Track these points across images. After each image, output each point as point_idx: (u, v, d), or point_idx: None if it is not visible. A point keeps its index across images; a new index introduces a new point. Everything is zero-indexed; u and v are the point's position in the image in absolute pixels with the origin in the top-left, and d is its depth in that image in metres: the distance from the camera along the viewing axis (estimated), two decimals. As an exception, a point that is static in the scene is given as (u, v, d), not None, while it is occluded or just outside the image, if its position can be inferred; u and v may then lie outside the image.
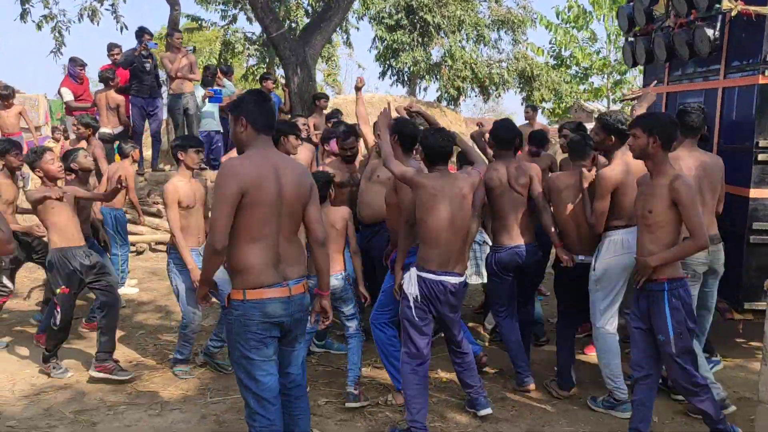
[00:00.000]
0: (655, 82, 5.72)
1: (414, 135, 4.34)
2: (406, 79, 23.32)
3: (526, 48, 22.59)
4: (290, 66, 9.04)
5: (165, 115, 9.96)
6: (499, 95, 23.27)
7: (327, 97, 9.18)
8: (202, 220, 4.73)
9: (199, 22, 18.80)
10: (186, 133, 8.95)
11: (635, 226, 3.76)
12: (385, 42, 21.47)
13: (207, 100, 9.05)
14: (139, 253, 8.50)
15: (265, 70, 20.95)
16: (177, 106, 8.81)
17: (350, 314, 4.51)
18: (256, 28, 31.81)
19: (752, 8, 4.55)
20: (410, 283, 3.73)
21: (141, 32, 8.96)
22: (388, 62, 22.66)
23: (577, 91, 23.54)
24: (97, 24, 11.27)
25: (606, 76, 23.95)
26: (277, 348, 3.06)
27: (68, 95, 8.87)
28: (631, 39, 6.25)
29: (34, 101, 12.07)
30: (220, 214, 2.78)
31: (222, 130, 9.27)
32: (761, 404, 3.39)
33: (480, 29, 21.64)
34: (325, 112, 8.95)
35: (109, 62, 8.95)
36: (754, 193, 4.69)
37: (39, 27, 11.70)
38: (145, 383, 4.70)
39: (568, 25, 23.33)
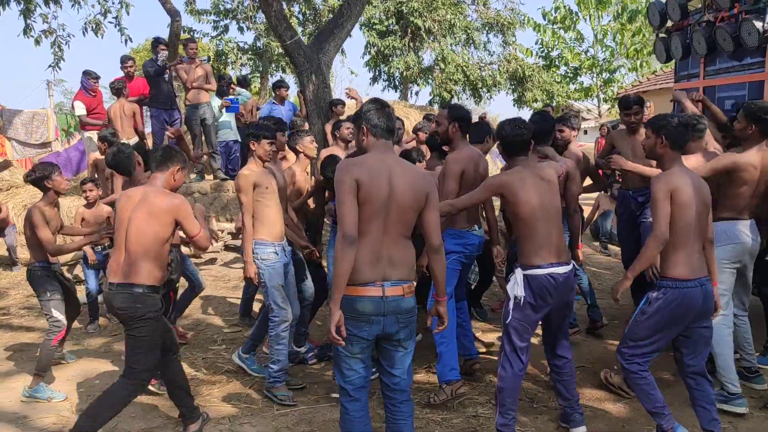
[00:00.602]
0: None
1: (468, 118, 4.40)
2: (397, 83, 23.35)
3: (515, 49, 22.73)
4: (305, 73, 8.95)
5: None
6: (491, 97, 23.36)
7: (344, 103, 9.12)
8: (280, 212, 4.61)
9: (192, 33, 18.66)
10: (204, 143, 8.85)
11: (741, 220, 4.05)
12: (377, 47, 21.47)
13: (224, 109, 8.95)
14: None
15: (260, 79, 20.99)
16: (194, 117, 8.67)
17: None
18: (248, 38, 31.26)
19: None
20: (516, 284, 3.60)
21: (156, 43, 8.87)
22: (378, 67, 22.70)
23: (568, 91, 23.69)
24: (101, 37, 11.11)
25: (595, 75, 24.20)
26: (365, 348, 3.05)
27: (81, 109, 8.73)
28: (662, 35, 6.28)
29: (42, 117, 11.88)
30: (345, 205, 2.90)
31: (240, 140, 9.15)
32: None
33: (470, 32, 21.72)
34: (342, 117, 8.90)
35: (122, 74, 8.84)
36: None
37: (38, 42, 11.50)
38: (205, 398, 4.60)
39: (555, 26, 23.61)
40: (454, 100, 23.22)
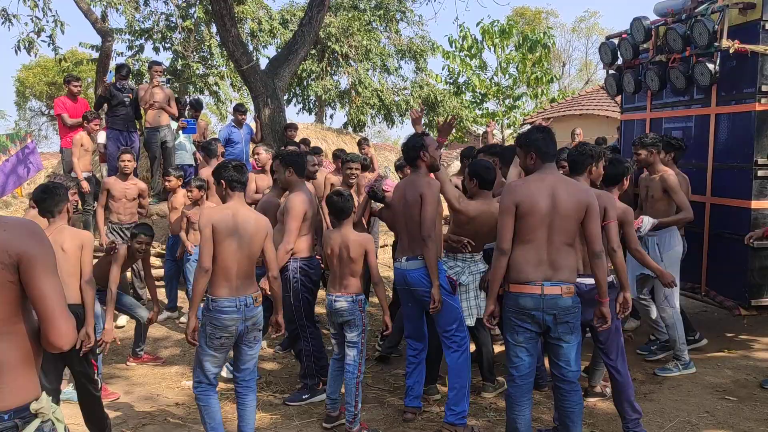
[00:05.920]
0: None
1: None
2: (311, 106, 23.67)
3: (427, 76, 23.65)
4: (261, 98, 9.14)
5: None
6: (403, 121, 24.11)
7: (296, 127, 9.39)
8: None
9: (106, 52, 18.15)
10: (163, 167, 8.79)
11: None
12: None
13: (181, 131, 8.92)
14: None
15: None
16: (155, 140, 8.60)
17: (352, 342, 4.34)
18: (163, 58, 30.53)
19: (747, 46, 5.36)
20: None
21: (120, 68, 8.77)
22: (293, 90, 22.94)
23: (475, 116, 24.86)
24: (35, 56, 10.74)
25: (500, 101, 25.55)
26: (529, 338, 3.53)
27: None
28: (612, 72, 7.01)
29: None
30: (502, 223, 3.48)
31: (195, 164, 9.13)
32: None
33: (384, 58, 22.41)
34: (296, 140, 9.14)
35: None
36: (755, 204, 5.47)
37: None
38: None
39: (462, 54, 24.81)
40: (369, 124, 23.86)
